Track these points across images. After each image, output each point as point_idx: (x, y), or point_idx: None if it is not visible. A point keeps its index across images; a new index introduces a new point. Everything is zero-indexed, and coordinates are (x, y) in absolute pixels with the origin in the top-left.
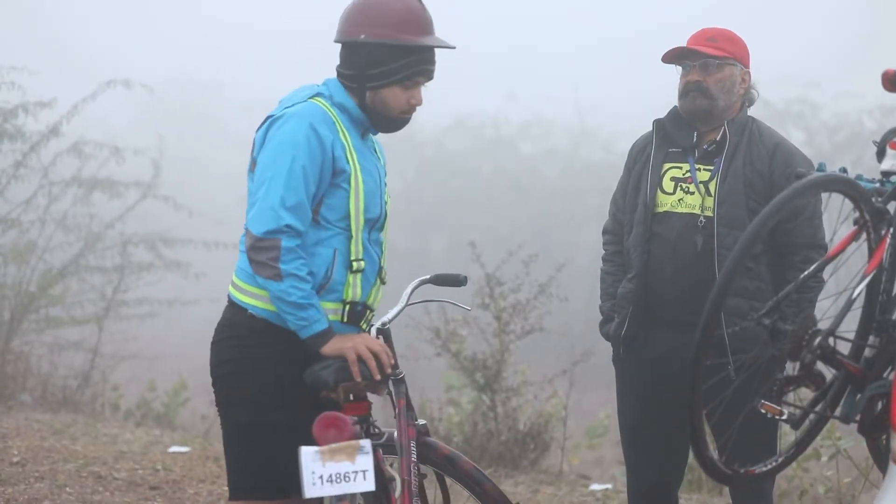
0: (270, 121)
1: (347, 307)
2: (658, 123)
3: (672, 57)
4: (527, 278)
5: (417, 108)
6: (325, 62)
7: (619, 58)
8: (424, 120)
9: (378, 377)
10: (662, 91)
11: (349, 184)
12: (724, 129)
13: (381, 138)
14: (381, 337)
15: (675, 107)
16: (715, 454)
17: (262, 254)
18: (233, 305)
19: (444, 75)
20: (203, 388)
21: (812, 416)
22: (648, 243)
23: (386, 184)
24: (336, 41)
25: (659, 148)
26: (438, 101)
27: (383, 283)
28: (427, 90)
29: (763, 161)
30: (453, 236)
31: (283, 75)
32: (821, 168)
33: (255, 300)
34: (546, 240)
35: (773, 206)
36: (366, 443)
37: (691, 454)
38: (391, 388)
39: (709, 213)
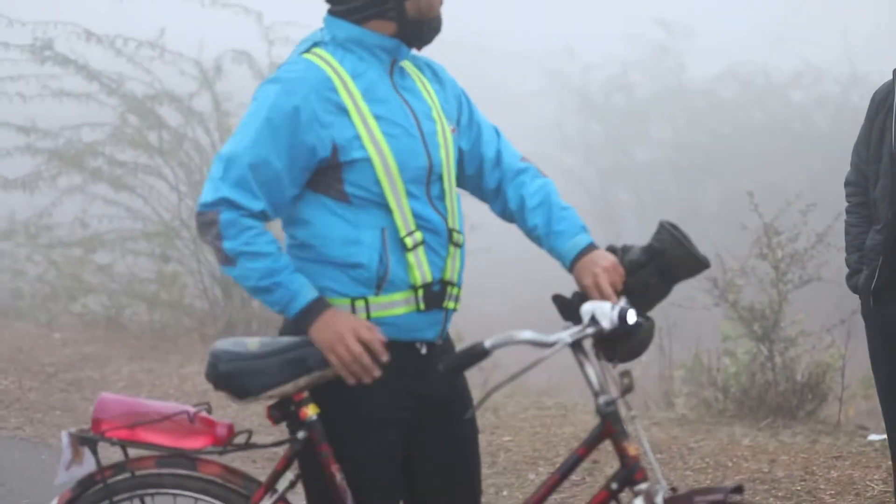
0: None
1: (421, 292)
2: None
3: None
4: (804, 227)
5: None
6: None
7: (888, 4)
8: (694, 69)
9: (368, 380)
10: None
11: (366, 148)
12: None
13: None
14: None
15: None
16: None
17: (204, 232)
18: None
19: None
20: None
21: None
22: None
23: (445, 119)
24: None
25: None
26: (708, 51)
27: (457, 246)
28: (697, 39)
29: None
30: (725, 186)
31: (548, 29)
32: None
33: None
34: (822, 189)
35: None
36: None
37: None
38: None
39: None
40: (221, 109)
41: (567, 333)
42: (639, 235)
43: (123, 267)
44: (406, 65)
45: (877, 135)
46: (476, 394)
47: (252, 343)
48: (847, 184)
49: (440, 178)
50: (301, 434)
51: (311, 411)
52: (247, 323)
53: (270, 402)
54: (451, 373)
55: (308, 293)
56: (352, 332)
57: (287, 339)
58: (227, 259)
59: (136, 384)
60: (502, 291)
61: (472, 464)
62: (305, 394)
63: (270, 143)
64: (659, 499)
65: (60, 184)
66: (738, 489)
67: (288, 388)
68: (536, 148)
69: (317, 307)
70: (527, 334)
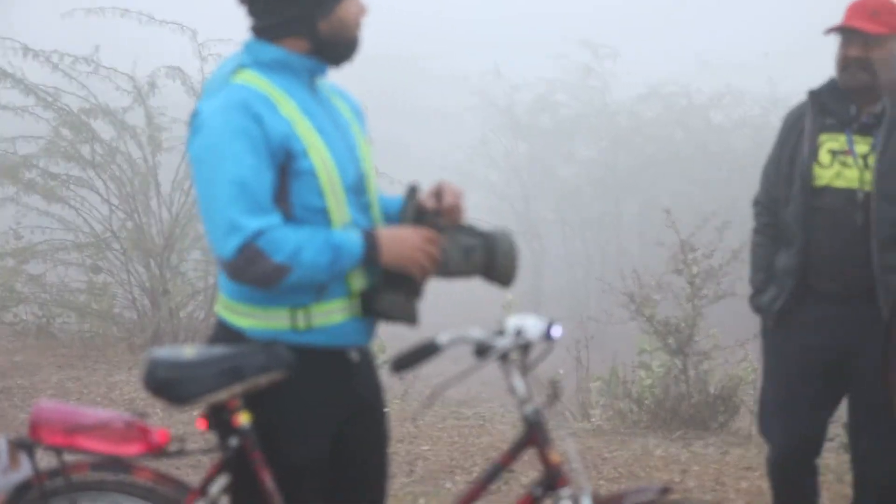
0: (195, 123)
1: (357, 299)
2: (814, 95)
3: (833, 30)
4: (720, 244)
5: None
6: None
7: (809, 28)
8: (619, 90)
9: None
10: None
11: (311, 159)
12: (885, 102)
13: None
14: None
15: (833, 78)
16: None
17: (251, 270)
18: (225, 328)
19: (638, 46)
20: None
21: None
22: (809, 218)
23: (361, 133)
24: None
25: (815, 119)
26: (632, 72)
27: None
28: (622, 59)
29: None
30: (646, 203)
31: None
32: None
33: (251, 320)
34: (738, 207)
35: None
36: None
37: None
38: None
39: (868, 188)
40: (154, 124)
41: (502, 342)
42: (562, 251)
43: (55, 277)
44: (320, 83)
45: (788, 157)
46: (395, 404)
47: (188, 351)
48: (755, 204)
49: (366, 189)
50: (234, 441)
51: (243, 419)
52: (174, 333)
53: (205, 409)
54: (402, 371)
55: (355, 240)
56: (420, 244)
57: (222, 348)
58: (286, 269)
59: (65, 392)
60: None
61: (385, 464)
62: (239, 401)
63: (252, 157)
64: (585, 502)
65: None
66: (666, 490)
67: (222, 395)
68: (464, 164)
69: (370, 244)
70: (476, 333)
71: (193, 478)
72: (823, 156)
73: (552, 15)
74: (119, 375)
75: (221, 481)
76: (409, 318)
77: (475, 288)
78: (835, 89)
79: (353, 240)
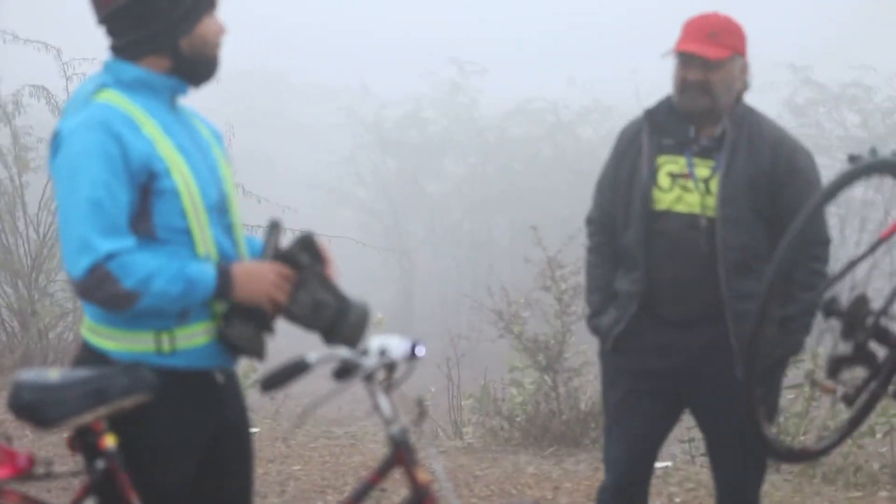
0: (55, 142)
1: (220, 320)
2: (650, 114)
3: (672, 55)
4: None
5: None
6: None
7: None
8: (486, 106)
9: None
10: None
11: (174, 178)
12: (725, 124)
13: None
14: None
15: (669, 97)
16: (772, 432)
17: (99, 292)
18: (90, 350)
19: (506, 62)
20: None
21: (865, 393)
22: (649, 242)
23: (221, 155)
24: (108, 13)
25: (651, 139)
26: (500, 88)
27: None
28: (490, 76)
29: (764, 157)
30: (515, 220)
31: (349, 66)
32: (872, 152)
33: (114, 342)
34: None
35: (826, 191)
36: None
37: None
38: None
39: (710, 214)
40: (20, 143)
41: (367, 362)
42: (431, 267)
43: None
44: (179, 106)
45: (625, 176)
46: (266, 424)
47: (53, 374)
48: (589, 222)
49: (228, 210)
50: (100, 463)
51: (109, 441)
52: (43, 354)
53: (71, 432)
54: (271, 390)
55: (209, 274)
56: (270, 280)
57: (86, 371)
58: (134, 295)
59: None
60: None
61: (250, 486)
62: (104, 423)
63: (109, 176)
64: None
65: None
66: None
67: (87, 417)
68: (332, 181)
69: (224, 277)
70: (344, 353)
71: (64, 500)
72: (663, 179)
73: (420, 31)
74: None
75: (89, 503)
76: (257, 351)
77: None
78: (672, 109)
79: (207, 273)
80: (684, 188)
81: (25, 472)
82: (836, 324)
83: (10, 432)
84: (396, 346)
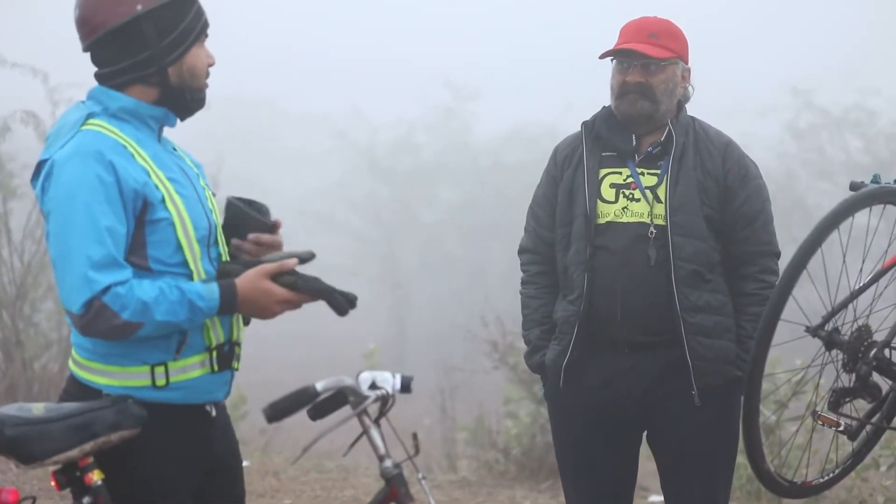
0: (45, 171)
1: (215, 353)
2: (587, 126)
3: (610, 54)
4: None
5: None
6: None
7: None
8: (482, 131)
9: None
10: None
11: (168, 209)
12: (670, 130)
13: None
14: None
15: (606, 107)
16: (772, 467)
17: (98, 324)
18: (80, 386)
19: (502, 87)
20: (263, 402)
21: (869, 427)
22: (592, 259)
23: (205, 186)
24: (94, 40)
25: (591, 152)
26: (496, 113)
27: None
28: (485, 101)
29: (715, 162)
30: (510, 249)
31: (341, 91)
32: (875, 180)
33: (108, 378)
34: None
35: (831, 217)
36: None
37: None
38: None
39: (660, 222)
40: (5, 170)
41: (374, 394)
42: (426, 295)
43: None
44: (164, 138)
45: (566, 195)
46: (256, 457)
47: (37, 408)
48: (522, 251)
49: (216, 241)
50: (86, 500)
51: (96, 476)
52: (28, 385)
53: (56, 468)
54: (278, 419)
55: (210, 295)
56: (271, 300)
57: (72, 405)
58: (136, 327)
59: None
60: (279, 348)
61: None
62: (90, 459)
63: (106, 207)
64: None
65: None
66: None
67: (73, 453)
68: (324, 208)
69: (227, 293)
70: (349, 381)
71: None
72: (606, 191)
73: (415, 57)
74: None
75: None
76: None
77: (334, 335)
78: (611, 119)
79: (211, 292)
80: (630, 198)
81: None
82: (838, 355)
83: None
84: (387, 380)
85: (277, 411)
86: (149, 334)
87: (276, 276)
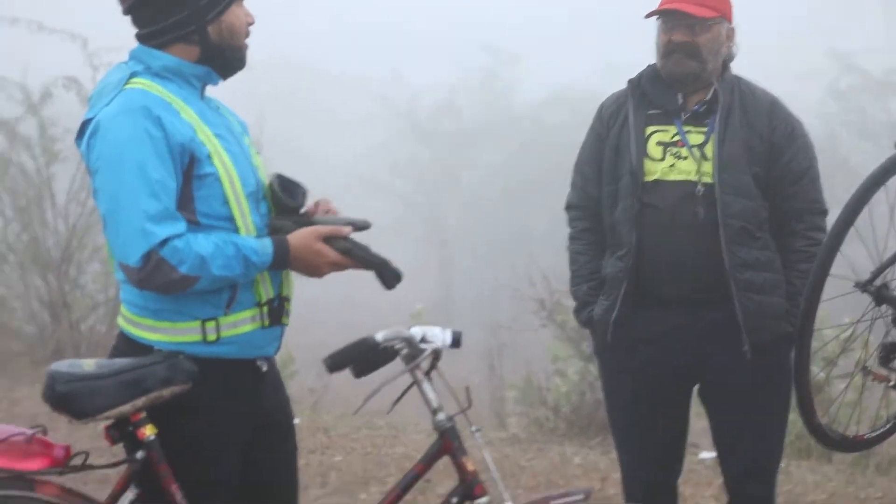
0: (90, 129)
1: (265, 308)
2: (633, 84)
3: (656, 13)
4: None
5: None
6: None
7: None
8: (523, 94)
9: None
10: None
11: (215, 164)
12: (716, 89)
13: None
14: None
15: (652, 65)
16: (824, 421)
17: (156, 278)
18: (131, 342)
19: (541, 46)
20: (311, 363)
21: None
22: (640, 216)
23: (250, 144)
24: (135, 1)
25: (637, 110)
26: (537, 75)
27: None
28: (526, 63)
29: (761, 120)
30: (554, 209)
31: (380, 55)
32: None
33: (159, 334)
34: None
35: (877, 174)
36: None
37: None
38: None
39: (707, 180)
40: (47, 134)
41: (429, 346)
42: (469, 258)
43: None
44: (207, 97)
45: (612, 152)
46: (306, 415)
47: (88, 364)
48: (570, 207)
49: (264, 197)
50: (139, 454)
51: (148, 431)
52: (76, 346)
53: (108, 423)
54: (339, 369)
55: (265, 249)
56: (323, 260)
57: (123, 361)
58: (193, 279)
59: None
60: (327, 311)
61: (295, 477)
62: (143, 414)
63: (157, 161)
64: None
65: None
66: (588, 495)
67: (125, 408)
68: (367, 171)
69: (280, 249)
70: (408, 332)
71: (101, 493)
72: (653, 149)
73: (453, 19)
74: (22, 390)
75: (129, 495)
76: None
77: (380, 298)
78: (656, 77)
79: (264, 247)
80: (677, 156)
81: (62, 464)
82: (887, 311)
83: (47, 425)
84: (437, 335)
85: (338, 361)
86: (204, 288)
87: (328, 240)
